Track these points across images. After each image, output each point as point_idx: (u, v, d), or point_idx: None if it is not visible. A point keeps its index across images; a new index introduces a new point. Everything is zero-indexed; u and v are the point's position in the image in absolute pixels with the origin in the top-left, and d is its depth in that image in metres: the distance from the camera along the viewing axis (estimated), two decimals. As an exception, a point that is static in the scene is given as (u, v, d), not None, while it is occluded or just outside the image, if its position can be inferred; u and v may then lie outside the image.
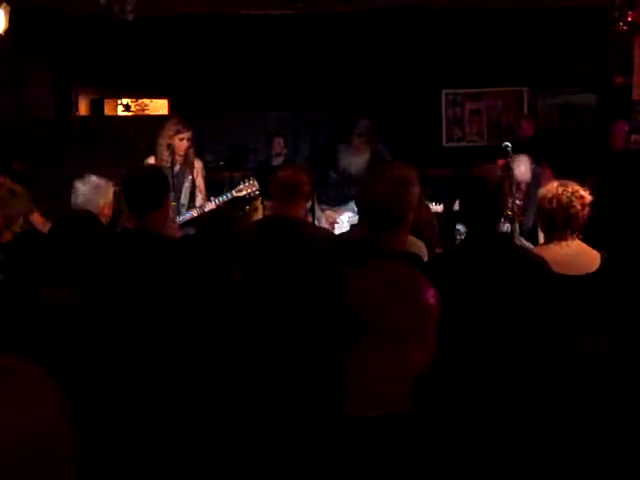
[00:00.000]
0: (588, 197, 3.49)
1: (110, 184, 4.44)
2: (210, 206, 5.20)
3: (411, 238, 3.48)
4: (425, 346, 1.85)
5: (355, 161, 6.28)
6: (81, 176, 4.39)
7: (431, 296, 1.89)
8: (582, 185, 3.58)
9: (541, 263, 2.97)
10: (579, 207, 3.47)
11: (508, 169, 5.62)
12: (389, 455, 1.75)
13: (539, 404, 2.64)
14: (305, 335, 2.77)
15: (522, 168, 6.09)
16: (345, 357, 1.84)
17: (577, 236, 3.49)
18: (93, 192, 4.34)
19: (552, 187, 3.54)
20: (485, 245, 2.96)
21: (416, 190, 2.87)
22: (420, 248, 3.61)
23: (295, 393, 2.18)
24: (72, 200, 4.35)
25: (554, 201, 3.46)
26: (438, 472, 1.77)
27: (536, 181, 5.99)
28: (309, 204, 5.28)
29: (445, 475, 1.77)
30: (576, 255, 3.44)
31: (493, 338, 2.76)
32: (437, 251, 3.95)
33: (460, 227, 5.65)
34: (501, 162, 6.04)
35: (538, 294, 2.87)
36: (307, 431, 1.83)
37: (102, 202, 4.34)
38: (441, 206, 5.67)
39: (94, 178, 4.42)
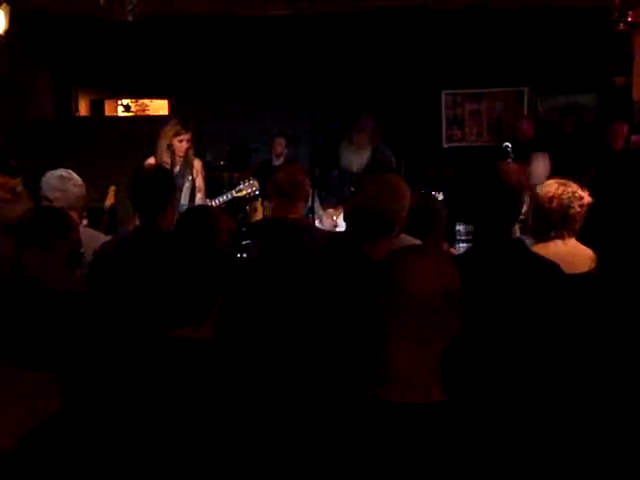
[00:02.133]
0: (587, 198, 3.48)
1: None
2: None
3: (408, 238, 3.47)
4: (450, 329, 1.88)
5: (356, 159, 6.27)
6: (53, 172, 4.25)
7: (457, 279, 1.91)
8: (581, 185, 3.58)
9: (557, 269, 2.95)
10: (578, 208, 3.46)
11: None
12: (419, 443, 1.76)
13: (552, 406, 2.65)
14: (311, 328, 2.78)
15: (541, 169, 6.02)
16: (381, 348, 1.87)
17: (573, 235, 3.48)
18: (82, 186, 4.21)
19: (552, 186, 3.52)
20: (499, 250, 2.94)
21: (406, 203, 2.90)
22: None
23: (322, 381, 2.19)
24: (64, 196, 4.06)
25: (554, 201, 3.45)
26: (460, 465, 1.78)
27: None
28: (308, 204, 5.29)
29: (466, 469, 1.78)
30: (572, 254, 3.44)
31: (509, 342, 2.76)
32: (444, 245, 3.93)
33: (460, 227, 5.66)
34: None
35: (557, 301, 2.86)
36: (339, 415, 1.83)
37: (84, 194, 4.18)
38: (441, 195, 5.66)
39: (69, 171, 4.25)
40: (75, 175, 4.22)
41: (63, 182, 4.13)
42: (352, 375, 2.09)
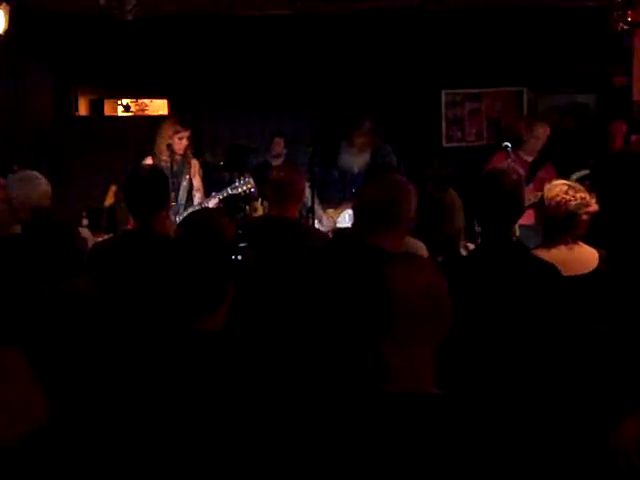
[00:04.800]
0: (594, 205, 3.45)
1: (42, 178, 4.29)
2: (208, 204, 5.22)
3: (410, 239, 3.49)
4: (442, 332, 1.96)
5: (357, 160, 6.29)
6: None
7: (446, 289, 1.98)
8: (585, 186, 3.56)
9: (556, 272, 2.95)
10: (585, 216, 3.42)
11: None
12: (414, 433, 1.82)
13: (548, 407, 2.66)
14: (309, 325, 2.80)
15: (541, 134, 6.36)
16: (378, 344, 1.94)
17: (578, 238, 3.46)
18: (27, 186, 4.20)
19: (560, 190, 3.46)
20: (500, 252, 2.94)
21: (413, 198, 2.97)
22: (420, 248, 3.62)
23: (327, 376, 2.22)
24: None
25: (562, 207, 3.40)
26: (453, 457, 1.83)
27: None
28: (307, 203, 5.28)
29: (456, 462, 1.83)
30: (576, 257, 3.42)
31: (507, 342, 2.76)
32: None
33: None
34: (502, 156, 6.07)
35: (554, 303, 2.85)
36: (340, 406, 1.87)
37: (36, 197, 4.20)
38: None
39: (28, 172, 4.28)
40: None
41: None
42: (351, 370, 2.15)
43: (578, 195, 3.42)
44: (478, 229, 5.16)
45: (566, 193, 3.43)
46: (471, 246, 4.15)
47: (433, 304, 1.84)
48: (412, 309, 1.82)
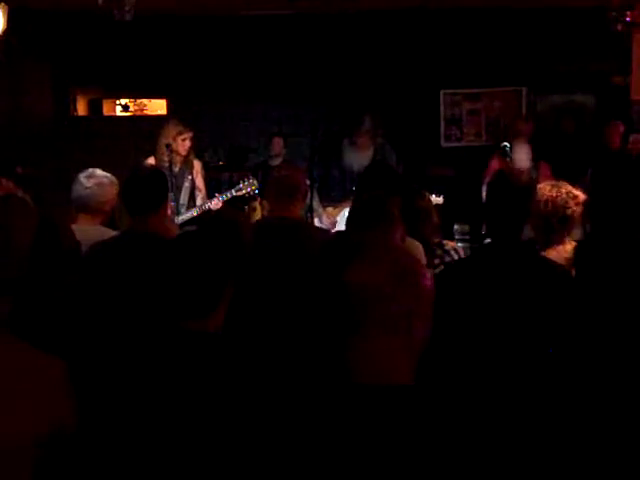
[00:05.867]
0: (581, 195, 3.48)
1: (114, 181, 4.28)
2: (211, 205, 5.23)
3: (408, 239, 3.49)
4: (424, 323, 1.95)
5: (358, 158, 6.29)
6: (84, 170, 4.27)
7: (427, 278, 1.98)
8: (576, 185, 3.57)
9: (566, 273, 2.94)
10: (575, 207, 3.45)
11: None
12: (388, 424, 1.83)
13: (546, 405, 2.66)
14: (308, 324, 2.80)
15: (522, 155, 6.21)
16: (350, 339, 1.94)
17: (572, 239, 3.46)
18: (96, 187, 4.19)
19: (545, 189, 3.50)
20: (510, 253, 2.93)
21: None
22: (416, 248, 3.62)
23: (303, 372, 2.23)
24: (74, 194, 4.19)
25: (549, 204, 3.43)
26: (432, 446, 1.83)
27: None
28: (307, 202, 5.28)
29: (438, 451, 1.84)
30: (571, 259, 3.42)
31: (516, 344, 2.76)
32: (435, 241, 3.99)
33: (457, 227, 5.66)
34: (496, 163, 6.08)
35: (562, 303, 2.85)
36: (315, 400, 1.88)
37: (104, 199, 4.21)
38: (441, 198, 5.63)
39: (99, 172, 4.29)
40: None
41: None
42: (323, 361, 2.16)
43: (563, 190, 3.47)
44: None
45: (550, 191, 3.47)
46: (451, 243, 4.17)
47: (400, 295, 1.85)
48: (374, 300, 1.83)
